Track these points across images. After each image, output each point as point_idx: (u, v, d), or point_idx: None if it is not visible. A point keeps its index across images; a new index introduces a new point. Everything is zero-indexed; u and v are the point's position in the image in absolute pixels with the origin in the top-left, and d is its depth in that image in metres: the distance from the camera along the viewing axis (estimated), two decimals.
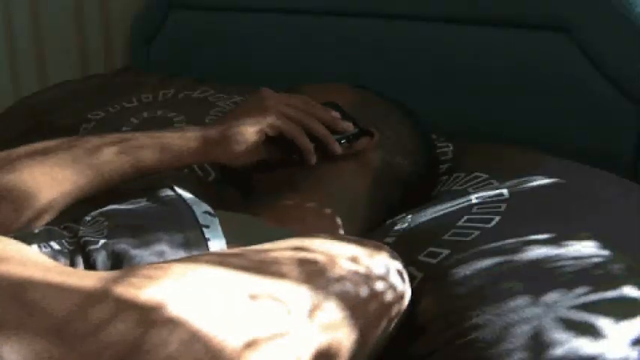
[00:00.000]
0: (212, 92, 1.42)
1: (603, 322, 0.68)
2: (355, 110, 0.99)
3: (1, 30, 1.68)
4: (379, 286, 0.71)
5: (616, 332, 0.68)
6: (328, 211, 0.93)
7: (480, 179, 0.99)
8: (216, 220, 0.78)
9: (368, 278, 0.71)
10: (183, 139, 0.89)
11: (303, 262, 0.68)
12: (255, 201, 0.96)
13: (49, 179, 0.84)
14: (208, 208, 0.81)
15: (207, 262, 0.64)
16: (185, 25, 1.72)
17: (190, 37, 1.71)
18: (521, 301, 0.72)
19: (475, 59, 1.25)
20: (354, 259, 0.71)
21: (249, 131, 0.89)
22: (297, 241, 0.72)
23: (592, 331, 0.68)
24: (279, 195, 0.94)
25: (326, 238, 0.75)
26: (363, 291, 0.70)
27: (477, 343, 0.70)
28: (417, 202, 0.99)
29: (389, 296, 0.72)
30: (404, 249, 0.84)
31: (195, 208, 0.80)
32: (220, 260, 0.65)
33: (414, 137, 1.03)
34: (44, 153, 0.85)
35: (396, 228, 0.91)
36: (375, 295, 0.71)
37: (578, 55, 1.14)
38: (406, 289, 0.76)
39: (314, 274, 0.67)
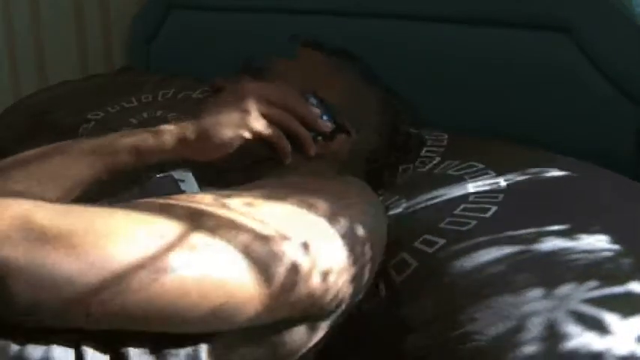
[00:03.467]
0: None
1: (611, 318, 0.69)
2: (328, 92, 0.97)
3: (1, 30, 1.68)
4: (312, 311, 0.74)
5: (623, 328, 0.69)
6: None
7: (475, 168, 0.99)
8: (190, 174, 0.82)
9: (312, 304, 0.73)
10: (159, 139, 0.87)
11: (292, 268, 0.70)
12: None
13: (25, 192, 0.83)
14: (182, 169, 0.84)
15: (239, 243, 0.68)
16: (185, 25, 1.72)
17: (190, 37, 1.71)
18: (533, 293, 0.73)
19: (475, 59, 1.25)
20: (325, 274, 0.73)
21: (228, 135, 0.87)
22: (312, 230, 0.73)
23: (601, 326, 0.69)
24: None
25: (341, 224, 0.76)
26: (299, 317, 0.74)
27: (474, 335, 0.70)
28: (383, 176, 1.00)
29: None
30: (399, 234, 0.84)
31: (169, 171, 0.84)
32: (249, 244, 0.68)
33: (381, 108, 1.02)
34: (20, 165, 0.85)
35: (390, 213, 0.92)
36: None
37: (578, 55, 1.13)
38: (319, 332, 0.77)
39: (289, 286, 0.70)
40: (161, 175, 0.86)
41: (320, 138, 0.94)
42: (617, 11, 1.10)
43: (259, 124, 0.88)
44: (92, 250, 0.61)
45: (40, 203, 0.64)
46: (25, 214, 0.62)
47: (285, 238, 0.70)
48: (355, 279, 0.76)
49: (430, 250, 0.82)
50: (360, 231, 0.77)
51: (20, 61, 1.72)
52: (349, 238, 0.75)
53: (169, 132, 0.88)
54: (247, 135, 0.88)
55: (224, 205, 0.71)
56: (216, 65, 1.62)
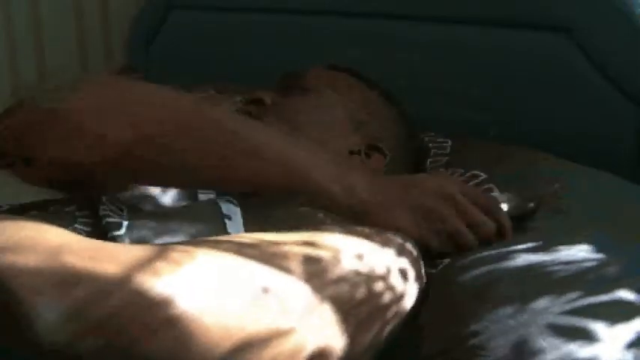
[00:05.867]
0: (212, 92, 1.42)
1: (597, 326, 0.68)
2: (362, 113, 0.98)
3: (1, 30, 1.68)
4: (377, 287, 0.71)
5: (610, 335, 0.68)
6: None
7: (479, 179, 0.99)
8: (239, 211, 0.78)
9: (368, 278, 0.71)
10: (342, 203, 0.81)
11: (307, 260, 0.68)
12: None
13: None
14: (231, 198, 0.80)
15: (227, 250, 0.64)
16: (185, 25, 1.72)
17: (190, 37, 1.71)
18: (510, 308, 0.71)
19: (475, 59, 1.25)
20: (359, 257, 0.71)
21: (408, 230, 0.81)
22: (308, 236, 0.72)
23: (586, 335, 0.68)
24: None
25: (337, 232, 0.75)
26: (360, 293, 0.69)
27: (475, 350, 0.70)
28: None
29: (386, 298, 0.72)
30: None
31: (218, 199, 0.81)
32: (238, 249, 0.65)
33: (411, 147, 1.04)
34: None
35: None
36: (371, 297, 0.71)
37: (578, 55, 1.13)
38: (407, 289, 0.75)
39: (314, 274, 0.67)
40: (212, 199, 0.82)
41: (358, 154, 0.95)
42: (617, 11, 1.10)
43: (443, 243, 0.84)
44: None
45: (74, 240, 0.61)
46: (57, 251, 0.58)
47: (278, 243, 0.68)
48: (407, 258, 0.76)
49: (434, 271, 0.82)
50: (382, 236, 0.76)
51: (20, 61, 1.72)
52: (361, 234, 0.75)
53: (358, 202, 0.82)
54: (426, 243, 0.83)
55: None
56: (217, 65, 1.63)
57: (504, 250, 0.80)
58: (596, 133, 1.13)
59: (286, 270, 0.66)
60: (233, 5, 1.62)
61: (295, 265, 0.66)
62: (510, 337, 0.68)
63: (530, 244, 0.81)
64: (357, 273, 0.70)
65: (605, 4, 1.11)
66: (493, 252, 0.80)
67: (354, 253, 0.71)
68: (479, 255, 0.80)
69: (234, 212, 0.78)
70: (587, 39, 1.13)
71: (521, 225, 0.86)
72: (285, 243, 0.69)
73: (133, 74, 1.66)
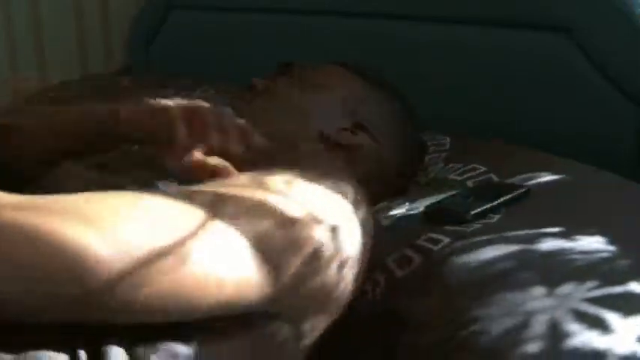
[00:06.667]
0: (212, 92, 1.42)
1: (612, 317, 0.70)
2: (357, 102, 0.98)
3: (1, 30, 1.68)
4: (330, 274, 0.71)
5: (624, 327, 0.69)
6: None
7: (478, 171, 0.99)
8: (175, 185, 0.79)
9: (325, 265, 0.70)
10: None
11: (313, 255, 0.68)
12: None
13: None
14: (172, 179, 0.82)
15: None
16: (185, 25, 1.72)
17: (190, 37, 1.71)
18: (535, 292, 0.73)
19: (475, 59, 1.25)
20: (341, 265, 0.71)
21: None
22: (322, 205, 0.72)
23: (602, 325, 0.69)
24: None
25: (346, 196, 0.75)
26: (316, 282, 0.70)
27: (480, 335, 0.71)
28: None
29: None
30: (400, 233, 0.85)
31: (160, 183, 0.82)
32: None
33: (407, 136, 1.03)
34: None
35: (392, 212, 0.92)
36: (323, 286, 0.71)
37: (578, 55, 1.14)
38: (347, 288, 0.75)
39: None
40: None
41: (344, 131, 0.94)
42: (617, 11, 1.10)
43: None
44: (116, 234, 0.59)
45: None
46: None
47: (316, 221, 0.69)
48: (357, 277, 0.75)
49: (436, 248, 0.82)
50: (370, 225, 0.77)
51: (20, 61, 1.72)
52: (365, 228, 0.75)
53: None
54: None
55: (261, 185, 0.69)
56: (216, 65, 1.63)
57: (498, 235, 0.82)
58: (596, 133, 1.13)
59: (284, 266, 0.66)
60: (233, 5, 1.62)
61: (298, 260, 0.67)
62: (541, 319, 0.70)
63: (546, 230, 0.82)
64: (324, 288, 0.70)
65: (605, 4, 1.11)
66: (494, 236, 0.81)
67: (344, 257, 0.71)
68: (480, 239, 0.81)
69: (167, 186, 0.80)
70: (587, 39, 1.13)
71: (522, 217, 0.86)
72: (323, 221, 0.69)
73: (132, 74, 1.67)
